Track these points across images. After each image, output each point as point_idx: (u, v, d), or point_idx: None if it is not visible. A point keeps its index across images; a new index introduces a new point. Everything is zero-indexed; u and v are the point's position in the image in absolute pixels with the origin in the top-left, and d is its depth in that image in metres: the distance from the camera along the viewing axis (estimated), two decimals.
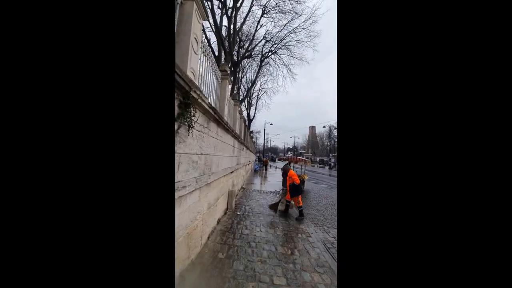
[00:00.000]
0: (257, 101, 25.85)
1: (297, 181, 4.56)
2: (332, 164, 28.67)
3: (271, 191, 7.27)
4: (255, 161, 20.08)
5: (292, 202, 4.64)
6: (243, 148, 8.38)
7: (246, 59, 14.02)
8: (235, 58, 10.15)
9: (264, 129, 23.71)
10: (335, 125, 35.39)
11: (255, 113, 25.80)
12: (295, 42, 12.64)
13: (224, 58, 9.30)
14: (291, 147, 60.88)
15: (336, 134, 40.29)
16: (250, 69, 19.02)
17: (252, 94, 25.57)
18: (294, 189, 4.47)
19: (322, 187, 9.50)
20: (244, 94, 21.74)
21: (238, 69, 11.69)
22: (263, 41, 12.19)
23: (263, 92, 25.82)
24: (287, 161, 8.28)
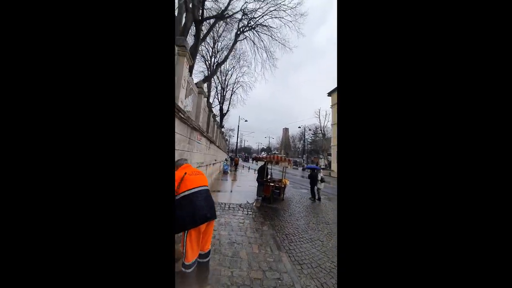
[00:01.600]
0: (231, 95, 23.35)
1: None
2: (305, 166, 28.50)
3: (240, 205, 5.10)
4: (226, 160, 17.68)
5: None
6: (209, 146, 6.05)
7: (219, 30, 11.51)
8: (199, 15, 7.60)
9: (238, 126, 21.45)
10: (309, 127, 35.57)
11: (228, 108, 23.24)
12: (277, 23, 10.88)
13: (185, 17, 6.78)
14: (265, 147, 60.21)
15: (307, 137, 40.77)
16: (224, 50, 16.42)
17: (227, 86, 22.98)
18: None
19: (304, 193, 7.90)
20: (218, 86, 19.04)
21: (204, 34, 9.07)
22: (240, 13, 9.97)
23: (238, 85, 23.54)
24: (264, 161, 6.29)
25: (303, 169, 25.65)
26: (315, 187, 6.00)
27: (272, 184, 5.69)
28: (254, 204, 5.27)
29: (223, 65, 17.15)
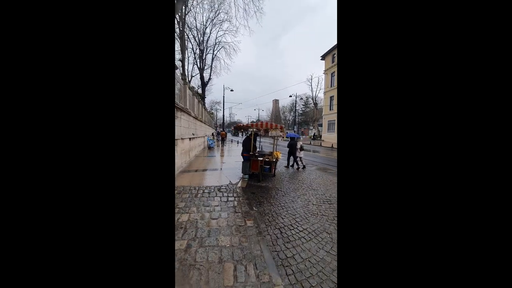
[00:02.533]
0: (213, 58, 20.27)
1: None
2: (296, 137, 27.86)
3: (219, 188, 3.98)
4: (212, 135, 16.23)
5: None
6: (179, 117, 4.56)
7: None
8: None
9: (224, 96, 19.18)
10: (301, 96, 33.64)
11: (210, 76, 20.46)
12: None
13: None
14: (255, 120, 58.42)
15: (297, 108, 39.19)
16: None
17: (206, 49, 19.70)
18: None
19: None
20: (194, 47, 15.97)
21: None
22: None
23: (220, 47, 20.29)
24: (248, 132, 4.97)
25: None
26: (297, 156, 5.90)
27: (261, 158, 4.54)
28: (239, 185, 4.16)
29: (199, 19, 13.92)
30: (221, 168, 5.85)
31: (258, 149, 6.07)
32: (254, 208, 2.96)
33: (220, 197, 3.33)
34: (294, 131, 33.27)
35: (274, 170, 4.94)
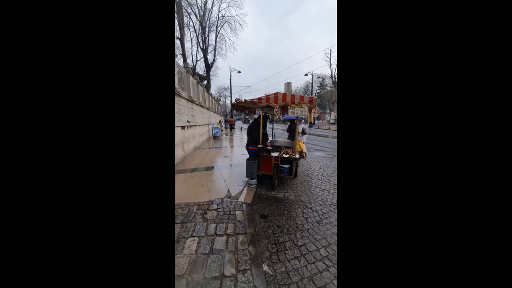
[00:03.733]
0: (216, 36, 18.03)
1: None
2: (314, 121, 25.19)
3: (205, 209, 2.40)
4: (219, 122, 14.75)
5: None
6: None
7: None
8: None
9: (230, 79, 17.16)
10: (318, 75, 29.93)
11: (215, 56, 18.39)
12: None
13: None
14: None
15: (314, 87, 35.61)
16: None
17: (209, 27, 17.47)
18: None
19: (320, 158, 5.21)
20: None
21: None
22: None
23: (223, 21, 17.91)
24: (255, 115, 3.20)
25: (310, 126, 22.53)
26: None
27: (276, 154, 2.87)
28: (241, 198, 2.58)
29: None
30: (218, 167, 4.31)
31: (270, 139, 4.43)
32: (270, 270, 1.37)
33: (202, 236, 1.78)
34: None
35: (296, 170, 3.26)
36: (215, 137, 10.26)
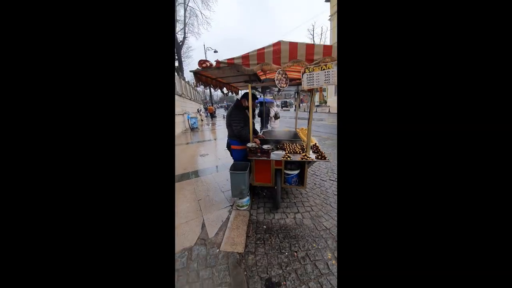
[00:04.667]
0: (185, 10, 15.32)
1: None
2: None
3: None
4: (198, 111, 13.02)
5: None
6: None
7: None
8: None
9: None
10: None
11: (185, 34, 15.82)
12: None
13: None
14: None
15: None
16: None
17: None
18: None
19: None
20: None
21: None
22: None
23: None
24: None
25: (295, 110, 21.52)
26: (268, 126, 4.26)
27: (281, 156, 1.77)
28: (227, 239, 1.49)
29: None
30: (197, 173, 3.12)
31: (264, 129, 3.32)
32: None
33: None
34: (293, 100, 29.39)
35: (306, 174, 2.20)
36: (192, 129, 8.78)
